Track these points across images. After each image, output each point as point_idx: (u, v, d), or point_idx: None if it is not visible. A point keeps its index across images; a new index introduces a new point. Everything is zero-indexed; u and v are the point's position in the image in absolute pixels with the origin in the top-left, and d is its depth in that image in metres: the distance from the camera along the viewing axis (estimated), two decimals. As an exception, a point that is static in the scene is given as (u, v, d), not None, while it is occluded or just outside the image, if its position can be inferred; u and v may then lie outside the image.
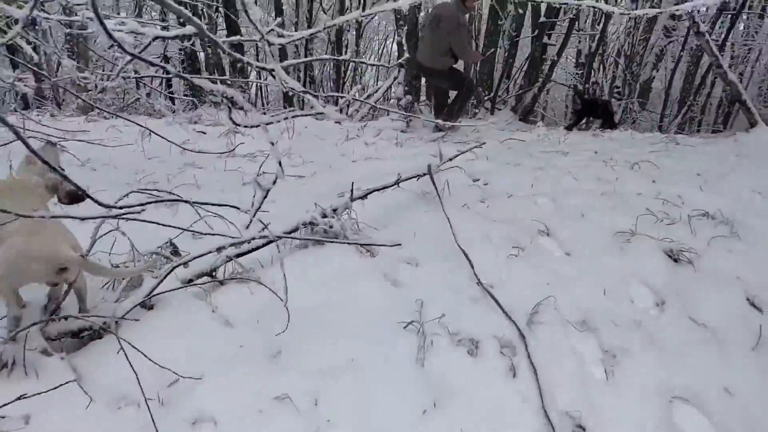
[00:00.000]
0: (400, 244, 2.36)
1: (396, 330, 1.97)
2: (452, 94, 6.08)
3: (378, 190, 2.87)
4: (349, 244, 2.39)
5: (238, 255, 2.31)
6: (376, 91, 9.27)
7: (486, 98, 8.35)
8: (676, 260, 2.40)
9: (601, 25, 9.38)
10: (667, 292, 2.20)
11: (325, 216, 2.59)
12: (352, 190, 2.75)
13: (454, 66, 5.85)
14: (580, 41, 11.75)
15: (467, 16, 5.93)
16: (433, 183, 3.01)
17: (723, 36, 9.19)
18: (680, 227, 2.66)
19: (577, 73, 11.84)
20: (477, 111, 8.12)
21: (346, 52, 12.46)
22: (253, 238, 2.20)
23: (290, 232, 2.47)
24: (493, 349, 1.91)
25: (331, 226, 2.53)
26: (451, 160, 3.39)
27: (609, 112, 7.35)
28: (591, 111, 7.29)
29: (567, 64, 14.18)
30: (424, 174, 3.10)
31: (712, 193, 3.06)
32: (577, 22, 9.14)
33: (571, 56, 14.06)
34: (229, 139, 4.59)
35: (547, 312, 2.10)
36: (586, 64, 10.36)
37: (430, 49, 5.71)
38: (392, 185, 2.93)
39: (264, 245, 2.35)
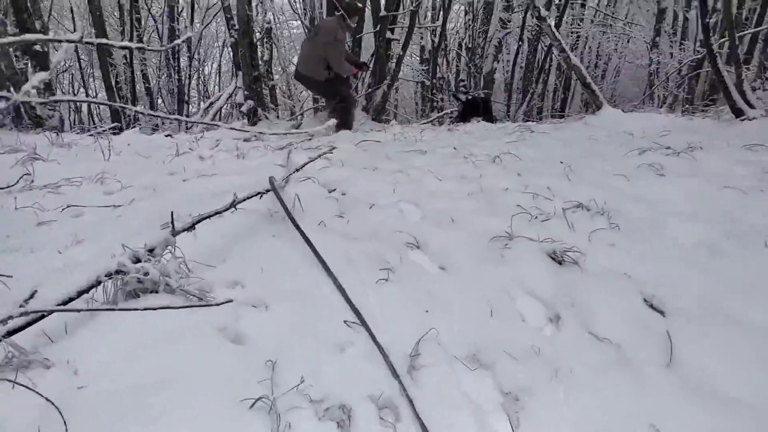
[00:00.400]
0: (231, 301, 1.79)
1: (240, 412, 1.44)
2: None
3: (209, 216, 2.28)
4: (154, 309, 1.74)
5: (10, 333, 1.62)
6: (218, 98, 8.52)
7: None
8: (560, 263, 2.14)
9: (440, 19, 9.46)
10: (559, 302, 1.91)
11: (138, 260, 1.95)
12: (172, 221, 2.14)
13: (331, 78, 5.88)
14: (422, 37, 11.89)
15: (347, 33, 6.20)
16: (280, 199, 2.50)
17: (556, 22, 9.72)
18: (557, 223, 2.42)
19: (423, 69, 11.96)
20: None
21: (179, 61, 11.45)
22: (10, 318, 1.52)
23: (88, 289, 1.82)
24: (371, 416, 1.46)
25: (146, 274, 1.90)
26: (298, 170, 2.90)
27: (489, 109, 7.62)
28: (473, 109, 7.46)
29: (412, 61, 14.42)
30: (268, 190, 2.58)
31: (579, 181, 2.91)
32: (417, 17, 9.10)
33: (415, 53, 14.30)
34: (25, 167, 3.67)
35: (430, 349, 1.70)
36: (431, 60, 10.44)
37: (307, 59, 5.85)
38: (227, 208, 2.36)
39: (33, 322, 1.66)
